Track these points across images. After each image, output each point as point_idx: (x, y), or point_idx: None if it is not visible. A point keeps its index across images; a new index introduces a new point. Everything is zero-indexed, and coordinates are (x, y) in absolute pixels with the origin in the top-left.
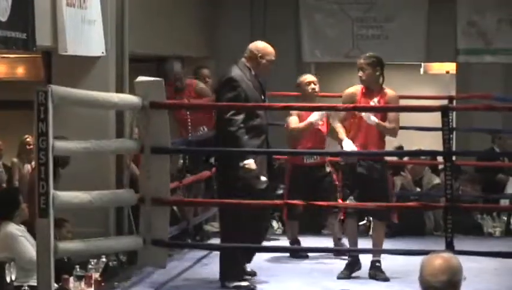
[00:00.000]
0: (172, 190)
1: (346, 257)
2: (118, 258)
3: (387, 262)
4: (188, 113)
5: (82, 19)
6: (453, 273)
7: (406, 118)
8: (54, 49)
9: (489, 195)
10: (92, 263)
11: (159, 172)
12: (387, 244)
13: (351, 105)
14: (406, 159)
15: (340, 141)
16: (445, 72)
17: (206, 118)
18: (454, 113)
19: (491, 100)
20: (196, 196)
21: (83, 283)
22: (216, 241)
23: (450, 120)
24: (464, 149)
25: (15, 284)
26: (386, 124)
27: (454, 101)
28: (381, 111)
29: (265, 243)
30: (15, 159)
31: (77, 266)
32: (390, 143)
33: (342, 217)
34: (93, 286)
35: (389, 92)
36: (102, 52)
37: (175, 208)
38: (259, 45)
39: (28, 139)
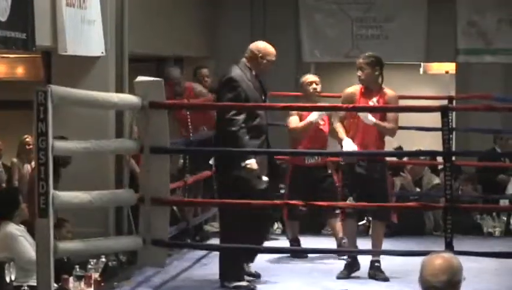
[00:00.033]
0: (172, 190)
1: (346, 257)
2: (118, 258)
3: (386, 262)
4: (188, 113)
5: (82, 19)
6: (453, 273)
7: (405, 118)
8: (53, 49)
9: (488, 195)
10: (92, 263)
11: (158, 172)
12: (386, 244)
13: (351, 105)
14: (405, 159)
15: (340, 141)
16: (445, 72)
17: (206, 118)
18: (454, 113)
19: (490, 100)
20: (196, 196)
21: (82, 283)
22: (216, 241)
23: (450, 120)
24: (464, 149)
25: (14, 284)
26: (385, 123)
27: (454, 101)
28: (381, 111)
29: (265, 243)
30: (15, 159)
31: (77, 266)
32: (390, 143)
33: (341, 217)
34: (92, 286)
35: (388, 91)
36: (102, 52)
37: (175, 208)
38: (260, 45)
39: (27, 139)
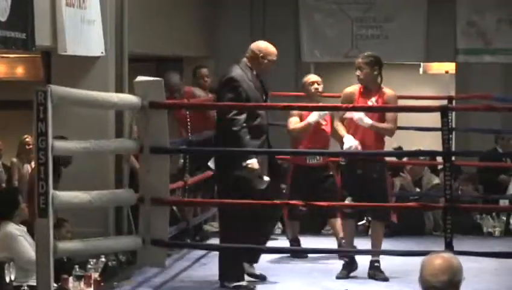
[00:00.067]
0: (172, 190)
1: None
2: (117, 258)
3: (386, 262)
4: (187, 113)
5: (81, 19)
6: (453, 273)
7: (405, 118)
8: (53, 49)
9: (488, 195)
10: (91, 262)
11: (158, 172)
12: (386, 244)
13: (351, 105)
14: (405, 159)
15: (341, 139)
16: (445, 72)
17: (206, 118)
18: (453, 113)
19: (490, 100)
20: (196, 196)
21: (82, 283)
22: (215, 241)
23: (450, 120)
24: (464, 149)
25: (14, 284)
26: (381, 124)
27: (454, 101)
28: (380, 111)
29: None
30: (14, 159)
31: (76, 266)
32: (390, 143)
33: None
34: (92, 285)
35: (388, 91)
36: (102, 52)
37: (175, 208)
38: (261, 45)
39: (27, 139)
